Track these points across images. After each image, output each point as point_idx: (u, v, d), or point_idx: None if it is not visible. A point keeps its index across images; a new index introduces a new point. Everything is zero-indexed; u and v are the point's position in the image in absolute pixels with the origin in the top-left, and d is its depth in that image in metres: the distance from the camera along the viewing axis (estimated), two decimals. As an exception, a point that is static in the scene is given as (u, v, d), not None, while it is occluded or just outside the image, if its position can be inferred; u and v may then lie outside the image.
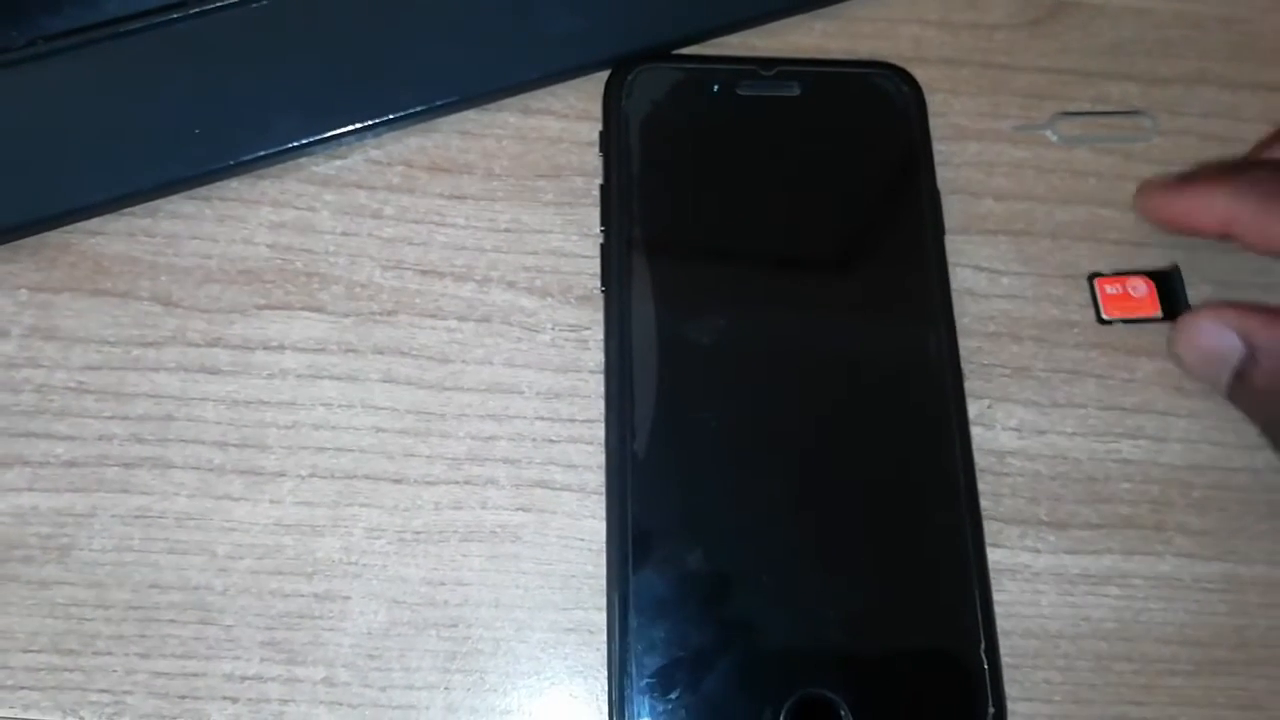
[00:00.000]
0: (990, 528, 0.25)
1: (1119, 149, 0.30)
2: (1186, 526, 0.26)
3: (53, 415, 0.25)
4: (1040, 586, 0.25)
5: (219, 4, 0.27)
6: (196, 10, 0.27)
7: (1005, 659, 0.24)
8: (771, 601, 0.24)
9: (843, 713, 0.23)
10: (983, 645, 0.24)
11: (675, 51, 0.29)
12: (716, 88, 0.28)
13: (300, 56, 0.28)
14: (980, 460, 0.26)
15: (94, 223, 0.27)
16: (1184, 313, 0.27)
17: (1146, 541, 0.26)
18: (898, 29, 0.30)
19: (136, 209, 0.27)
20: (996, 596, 0.25)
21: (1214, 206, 0.26)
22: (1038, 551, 0.26)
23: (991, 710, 0.23)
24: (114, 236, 0.27)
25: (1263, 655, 0.25)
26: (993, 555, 0.25)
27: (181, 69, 0.27)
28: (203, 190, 0.27)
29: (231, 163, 0.27)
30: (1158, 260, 0.28)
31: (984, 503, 0.25)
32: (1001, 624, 0.24)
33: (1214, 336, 0.26)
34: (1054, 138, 0.30)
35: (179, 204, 0.27)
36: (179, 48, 0.27)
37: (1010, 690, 0.24)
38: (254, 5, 0.27)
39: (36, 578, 0.24)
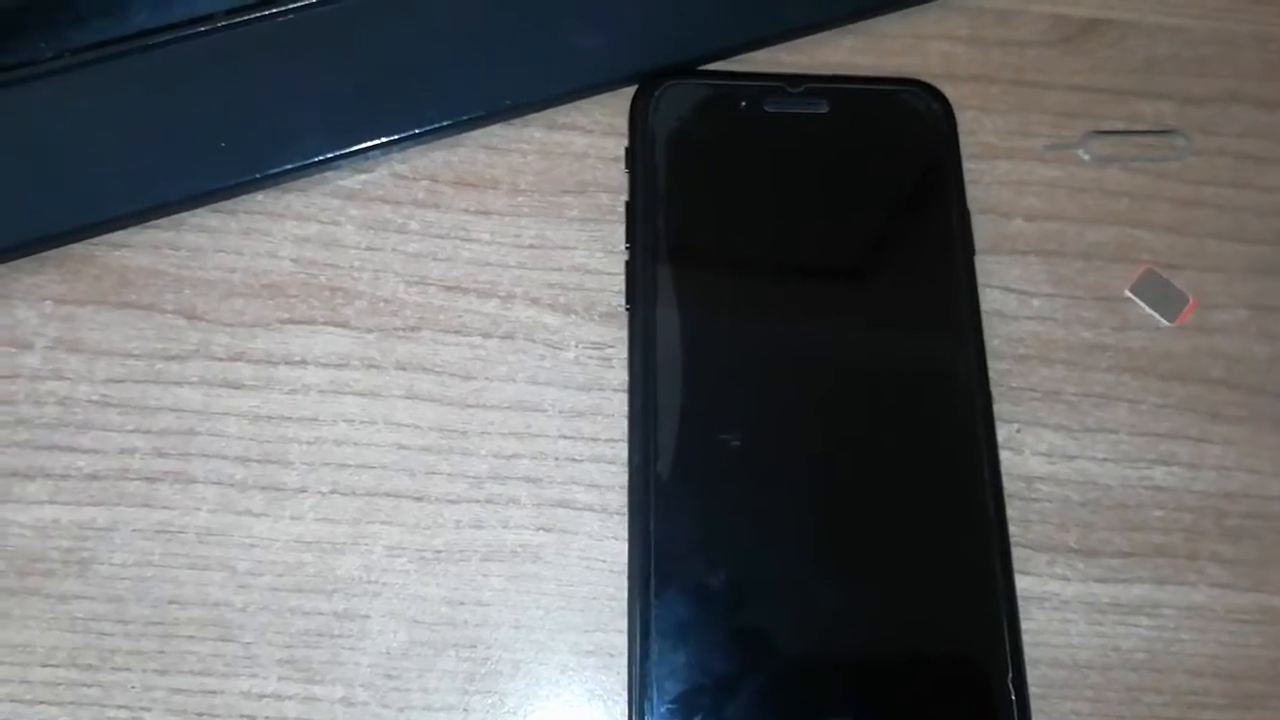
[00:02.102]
0: (1019, 554, 0.25)
1: (1152, 168, 0.29)
2: (1220, 556, 0.26)
3: (76, 428, 0.25)
4: (1069, 615, 0.25)
5: (245, 18, 0.27)
6: (224, 24, 0.27)
7: (1033, 689, 0.24)
8: (795, 626, 0.23)
9: (867, 743, 0.23)
10: (1010, 674, 0.23)
11: (702, 67, 0.29)
12: (744, 104, 0.28)
13: (326, 70, 0.27)
14: (1009, 485, 0.25)
15: (119, 235, 0.27)
16: None
17: (1179, 571, 0.25)
18: (927, 45, 0.30)
19: (162, 221, 0.27)
20: (1024, 625, 0.24)
21: None
22: (1067, 579, 0.25)
23: (1019, 742, 0.23)
24: (139, 249, 0.27)
25: (1298, 690, 0.25)
26: (1021, 583, 0.25)
27: (208, 82, 0.27)
28: (228, 203, 0.27)
29: (257, 176, 0.27)
30: (1191, 283, 0.28)
31: (1013, 529, 0.25)
32: (1029, 653, 0.24)
33: None
34: (1086, 157, 0.29)
35: (204, 217, 0.27)
36: (205, 61, 0.27)
37: (1038, 721, 0.24)
38: (280, 19, 0.27)
39: (57, 591, 0.24)
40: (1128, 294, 0.27)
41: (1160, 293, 0.28)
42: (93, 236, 0.27)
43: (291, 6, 0.27)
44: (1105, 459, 0.26)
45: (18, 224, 0.26)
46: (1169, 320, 0.27)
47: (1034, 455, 0.26)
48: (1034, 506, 0.26)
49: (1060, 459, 0.26)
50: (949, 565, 0.24)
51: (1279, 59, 0.31)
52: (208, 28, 0.27)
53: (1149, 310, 0.27)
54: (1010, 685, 0.23)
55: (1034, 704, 0.23)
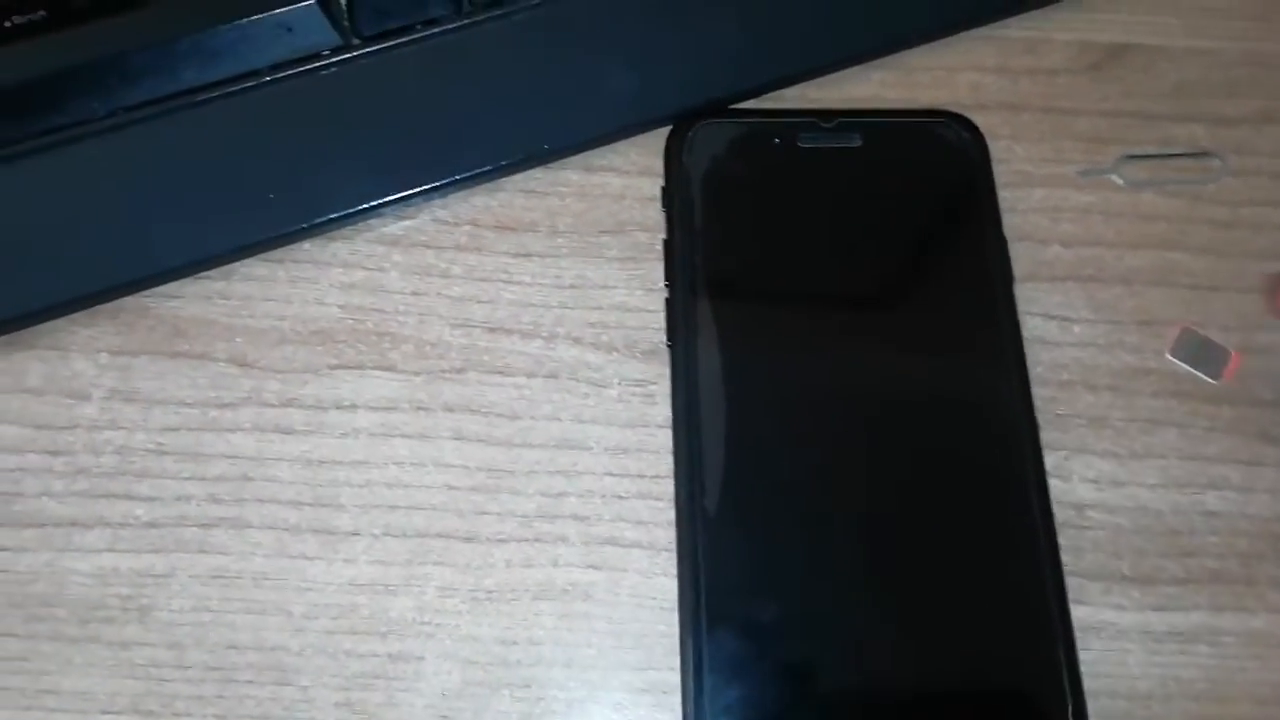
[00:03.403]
0: (1072, 584, 0.25)
1: (1188, 191, 0.29)
2: (1279, 580, 0.25)
3: (133, 476, 0.26)
4: (1127, 645, 0.25)
5: (289, 73, 0.28)
6: (268, 79, 0.28)
7: (1093, 720, 0.23)
8: (849, 660, 0.23)
9: (927, 778, 0.22)
10: (1070, 707, 0.23)
11: (734, 106, 0.29)
12: (777, 140, 0.28)
13: (368, 121, 0.28)
14: (1059, 514, 0.25)
15: (171, 286, 0.27)
16: None
17: (1237, 597, 0.25)
18: (955, 77, 0.30)
19: (212, 272, 0.28)
20: (1081, 655, 0.24)
21: None
22: (1122, 608, 0.25)
23: (1082, 775, 0.22)
24: (190, 300, 0.27)
25: (1365, 715, 0.24)
26: (1076, 612, 0.24)
27: (255, 136, 0.28)
28: (276, 253, 0.28)
29: (304, 225, 0.28)
30: (1233, 304, 0.28)
31: (1064, 558, 0.25)
32: (1087, 684, 0.24)
33: None
34: (1120, 181, 0.29)
35: (253, 266, 0.28)
36: (251, 115, 0.28)
37: (1100, 753, 0.23)
38: (322, 73, 0.28)
39: (117, 638, 0.24)
40: (1168, 357, 0.27)
41: (1200, 351, 0.27)
42: (146, 289, 0.27)
43: (332, 60, 0.28)
44: (1155, 485, 0.26)
45: (74, 279, 0.27)
46: (1213, 379, 0.27)
47: (1083, 482, 0.26)
48: (1086, 535, 0.26)
49: (1109, 486, 0.26)
50: (1002, 596, 0.24)
51: (1311, 77, 0.31)
52: (254, 83, 0.28)
53: (1192, 371, 0.27)
54: (1071, 718, 0.23)
55: (1094, 735, 0.23)
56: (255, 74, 0.28)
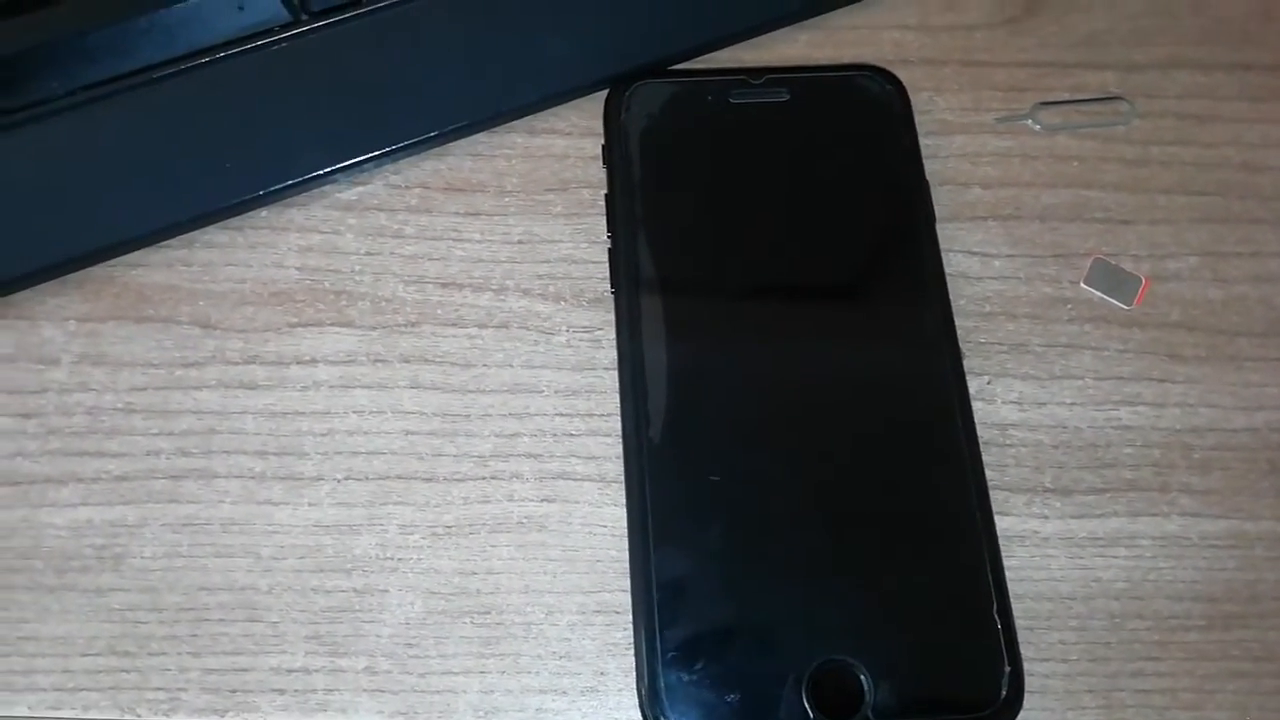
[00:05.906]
0: (997, 497, 0.26)
1: (1100, 133, 0.31)
2: (1190, 487, 0.27)
3: (103, 434, 0.27)
4: (1050, 551, 0.26)
5: (242, 49, 0.29)
6: (222, 55, 0.29)
7: (1020, 622, 0.25)
8: (790, 573, 0.25)
9: (863, 676, 0.24)
10: (995, 606, 0.24)
11: (669, 68, 0.31)
12: (709, 98, 0.30)
13: (319, 92, 0.29)
14: (983, 433, 0.27)
15: (135, 255, 0.29)
16: None
17: (1152, 503, 0.27)
18: (879, 35, 0.32)
19: (174, 241, 0.29)
20: (1007, 562, 0.25)
21: None
22: (1045, 517, 0.27)
23: (1008, 668, 0.24)
24: (154, 267, 0.29)
25: (1274, 608, 0.26)
26: (1001, 523, 0.26)
27: (211, 109, 0.29)
28: (235, 220, 0.29)
29: (260, 193, 0.29)
30: (1143, 235, 0.30)
31: (989, 473, 0.26)
32: (1014, 588, 0.25)
33: None
34: (1036, 127, 0.31)
35: (213, 234, 0.29)
36: (208, 90, 0.29)
37: (1026, 651, 0.25)
38: (274, 48, 0.29)
39: (93, 586, 0.25)
40: (1083, 286, 0.29)
41: (1112, 279, 0.29)
42: (111, 258, 0.28)
43: (282, 36, 0.29)
44: (1073, 403, 0.28)
45: (41, 250, 0.28)
46: (1126, 304, 0.29)
47: (1005, 404, 0.28)
48: (1009, 452, 0.27)
49: (1031, 406, 0.28)
50: (931, 509, 0.26)
51: (1214, 25, 0.33)
52: (208, 59, 0.29)
53: (1105, 298, 0.29)
54: (996, 616, 0.24)
55: (1022, 635, 0.25)
56: (209, 50, 0.29)
